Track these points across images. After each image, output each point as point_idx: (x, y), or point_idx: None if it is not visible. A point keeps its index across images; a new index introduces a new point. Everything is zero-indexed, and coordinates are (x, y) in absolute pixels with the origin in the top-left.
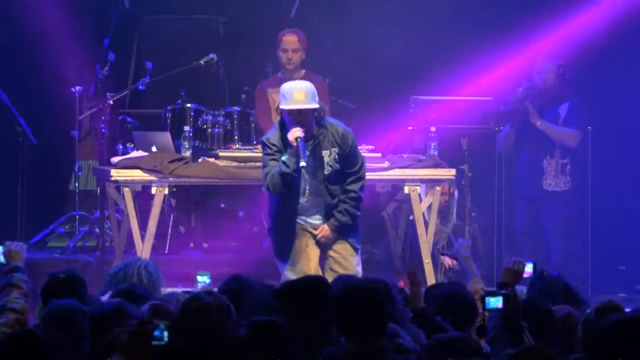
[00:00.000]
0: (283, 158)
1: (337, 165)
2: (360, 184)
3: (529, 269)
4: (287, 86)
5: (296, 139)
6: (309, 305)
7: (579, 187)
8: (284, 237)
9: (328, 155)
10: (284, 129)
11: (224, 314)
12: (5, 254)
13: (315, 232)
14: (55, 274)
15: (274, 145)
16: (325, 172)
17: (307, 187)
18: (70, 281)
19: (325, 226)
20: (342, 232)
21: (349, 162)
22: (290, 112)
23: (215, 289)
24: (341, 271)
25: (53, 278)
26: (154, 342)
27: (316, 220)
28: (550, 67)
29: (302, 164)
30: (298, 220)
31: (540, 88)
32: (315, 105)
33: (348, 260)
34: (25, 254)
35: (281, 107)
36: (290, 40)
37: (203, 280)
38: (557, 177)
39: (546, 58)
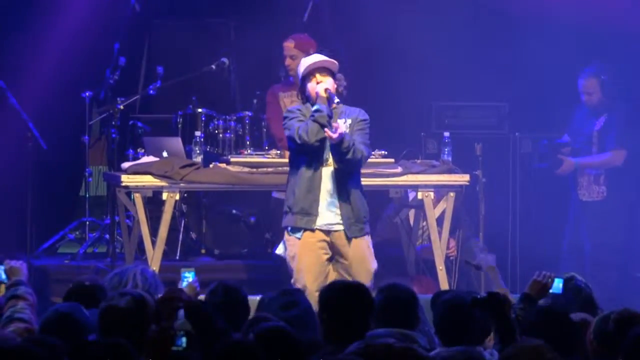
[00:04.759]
0: (314, 107)
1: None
2: (364, 152)
3: (558, 284)
4: (305, 59)
5: (325, 90)
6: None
7: (616, 196)
8: (304, 206)
9: (343, 123)
10: (305, 106)
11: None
12: (6, 271)
13: None
14: (81, 280)
15: (298, 110)
16: None
17: (329, 156)
18: (93, 289)
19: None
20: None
21: (354, 135)
22: (312, 67)
23: (196, 283)
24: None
25: (77, 285)
26: (174, 348)
27: (335, 225)
28: (591, 82)
29: (337, 100)
30: (319, 225)
31: (586, 104)
32: (336, 63)
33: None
34: (26, 270)
35: (304, 67)
36: (287, 46)
37: (188, 277)
38: (589, 187)
39: (585, 74)
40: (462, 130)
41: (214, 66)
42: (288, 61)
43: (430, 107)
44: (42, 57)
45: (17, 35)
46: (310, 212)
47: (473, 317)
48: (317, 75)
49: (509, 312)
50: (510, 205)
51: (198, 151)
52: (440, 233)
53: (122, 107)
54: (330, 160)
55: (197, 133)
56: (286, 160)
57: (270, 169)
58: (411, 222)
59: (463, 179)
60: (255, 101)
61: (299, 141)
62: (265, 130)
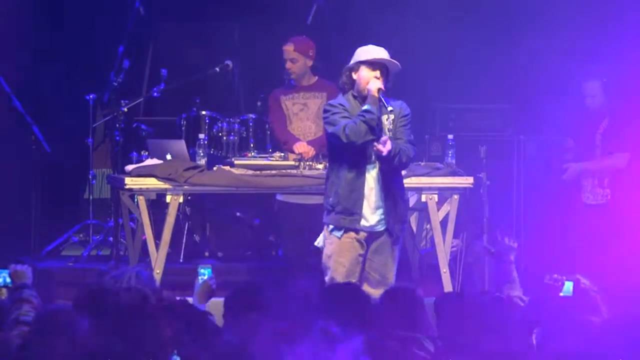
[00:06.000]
0: (364, 107)
1: (391, 134)
2: (410, 153)
3: (568, 287)
4: (364, 48)
5: (378, 89)
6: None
7: (619, 199)
8: (347, 206)
9: (386, 120)
10: (346, 99)
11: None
12: (11, 275)
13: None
14: (88, 285)
15: (341, 105)
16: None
17: (373, 155)
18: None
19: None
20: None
21: (398, 132)
22: (379, 60)
23: (212, 280)
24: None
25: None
26: None
27: (377, 224)
28: (594, 85)
29: (389, 108)
30: (362, 225)
31: (589, 107)
32: (399, 67)
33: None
34: (31, 274)
35: (370, 54)
36: (287, 50)
37: (204, 274)
38: (593, 190)
39: (588, 76)
40: (466, 133)
41: (217, 69)
42: (288, 64)
43: (434, 109)
44: (46, 59)
45: (21, 37)
46: (354, 211)
47: (477, 319)
48: (378, 71)
49: None
50: (514, 207)
51: (202, 154)
52: (444, 235)
53: (126, 109)
54: (374, 159)
55: (201, 135)
56: (290, 162)
57: (274, 172)
58: (414, 225)
59: (467, 181)
60: (259, 104)
61: (345, 140)
62: (269, 132)
